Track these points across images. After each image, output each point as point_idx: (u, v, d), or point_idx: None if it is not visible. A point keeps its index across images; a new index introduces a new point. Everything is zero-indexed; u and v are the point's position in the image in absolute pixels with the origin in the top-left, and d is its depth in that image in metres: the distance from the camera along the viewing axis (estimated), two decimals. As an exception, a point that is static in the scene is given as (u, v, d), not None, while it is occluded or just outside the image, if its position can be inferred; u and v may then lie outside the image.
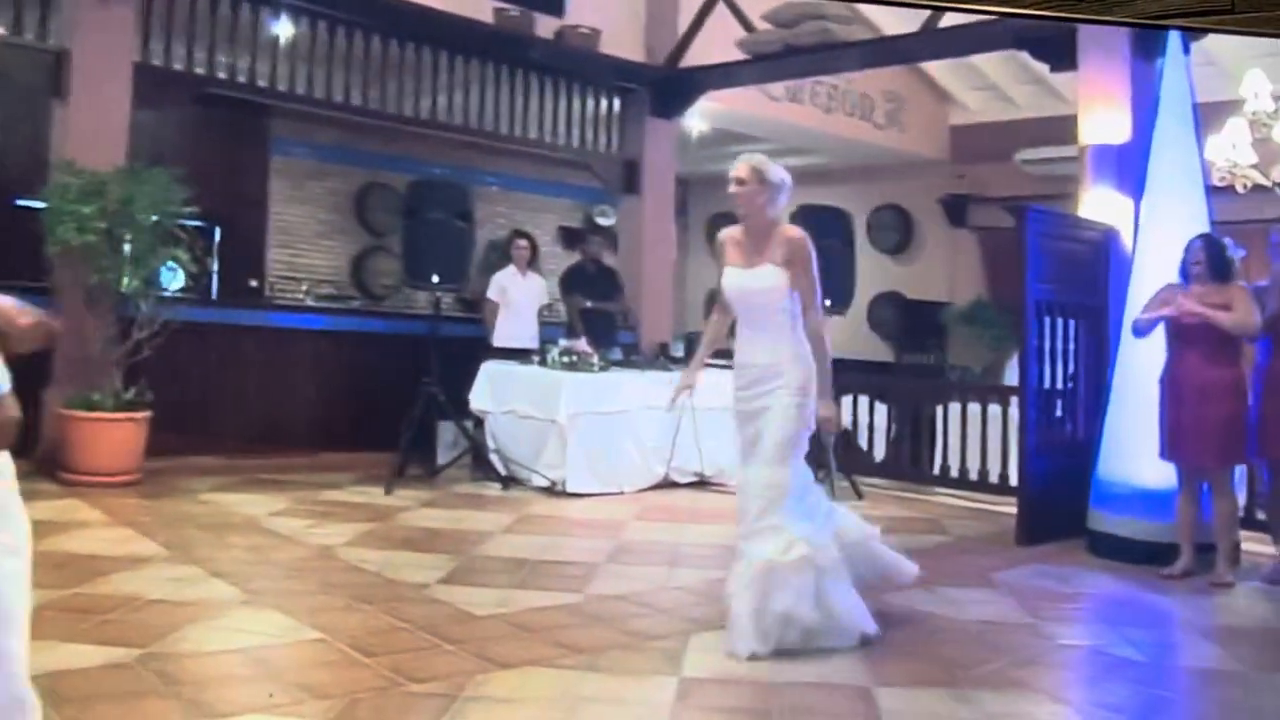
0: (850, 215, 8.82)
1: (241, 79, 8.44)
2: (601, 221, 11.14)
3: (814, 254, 4.45)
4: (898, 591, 4.97)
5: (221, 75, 8.31)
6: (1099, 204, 7.42)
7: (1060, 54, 7.93)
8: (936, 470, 8.73)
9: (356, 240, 10.24)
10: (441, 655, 4.02)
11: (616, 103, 10.64)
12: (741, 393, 4.45)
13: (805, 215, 8.14)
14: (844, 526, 4.57)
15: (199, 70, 8.16)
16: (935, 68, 12.36)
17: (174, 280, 7.38)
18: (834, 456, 7.87)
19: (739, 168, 4.48)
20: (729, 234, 4.59)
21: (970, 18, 9.11)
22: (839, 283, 8.02)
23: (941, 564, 5.89)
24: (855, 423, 9.24)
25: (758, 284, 4.43)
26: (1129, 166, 7.17)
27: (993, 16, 6.59)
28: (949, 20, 9.05)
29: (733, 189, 4.47)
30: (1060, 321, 7.04)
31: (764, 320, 4.44)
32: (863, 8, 10.77)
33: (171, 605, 4.49)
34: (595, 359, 8.13)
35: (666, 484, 8.09)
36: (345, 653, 3.99)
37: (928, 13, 9.22)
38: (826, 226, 8.10)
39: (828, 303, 7.94)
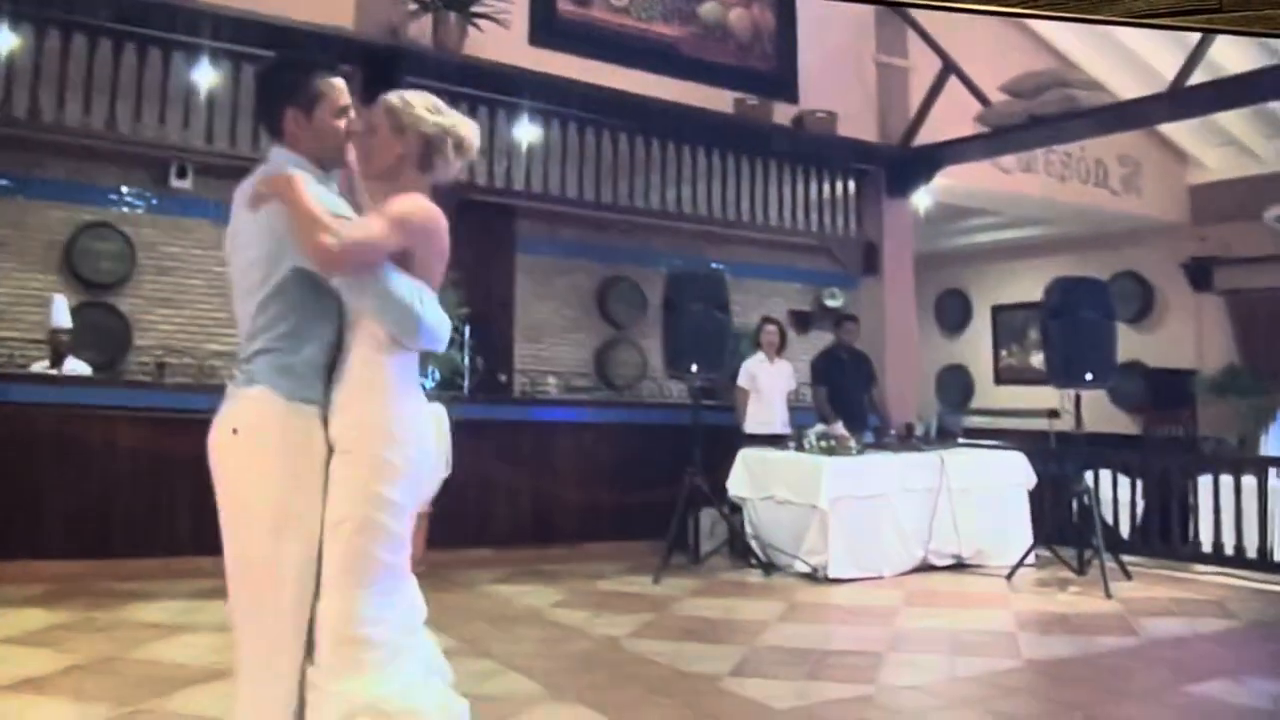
0: (1108, 285, 8.55)
1: (498, 184, 8.83)
2: (830, 304, 11.11)
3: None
4: (1200, 682, 4.78)
5: (479, 181, 8.67)
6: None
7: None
8: (1208, 548, 8.31)
9: (599, 333, 10.49)
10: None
11: (852, 185, 10.69)
12: None
13: (1063, 288, 7.98)
14: None
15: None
16: (1173, 127, 11.97)
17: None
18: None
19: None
20: None
21: (1212, 73, 8.91)
22: (1103, 356, 7.84)
23: (1240, 652, 5.63)
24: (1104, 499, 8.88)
25: None
26: None
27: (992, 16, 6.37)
28: (1194, 79, 8.80)
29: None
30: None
31: None
32: (1101, 73, 10.58)
33: (479, 700, 4.57)
34: (853, 443, 8.11)
35: (924, 567, 7.95)
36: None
37: (1170, 75, 8.99)
38: (1087, 298, 7.94)
39: (1089, 376, 7.80)
